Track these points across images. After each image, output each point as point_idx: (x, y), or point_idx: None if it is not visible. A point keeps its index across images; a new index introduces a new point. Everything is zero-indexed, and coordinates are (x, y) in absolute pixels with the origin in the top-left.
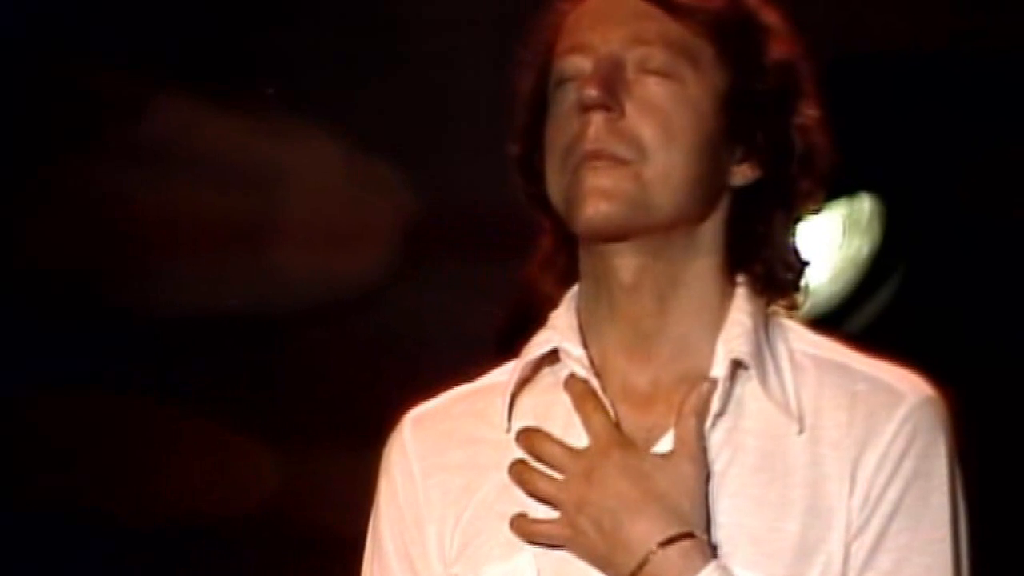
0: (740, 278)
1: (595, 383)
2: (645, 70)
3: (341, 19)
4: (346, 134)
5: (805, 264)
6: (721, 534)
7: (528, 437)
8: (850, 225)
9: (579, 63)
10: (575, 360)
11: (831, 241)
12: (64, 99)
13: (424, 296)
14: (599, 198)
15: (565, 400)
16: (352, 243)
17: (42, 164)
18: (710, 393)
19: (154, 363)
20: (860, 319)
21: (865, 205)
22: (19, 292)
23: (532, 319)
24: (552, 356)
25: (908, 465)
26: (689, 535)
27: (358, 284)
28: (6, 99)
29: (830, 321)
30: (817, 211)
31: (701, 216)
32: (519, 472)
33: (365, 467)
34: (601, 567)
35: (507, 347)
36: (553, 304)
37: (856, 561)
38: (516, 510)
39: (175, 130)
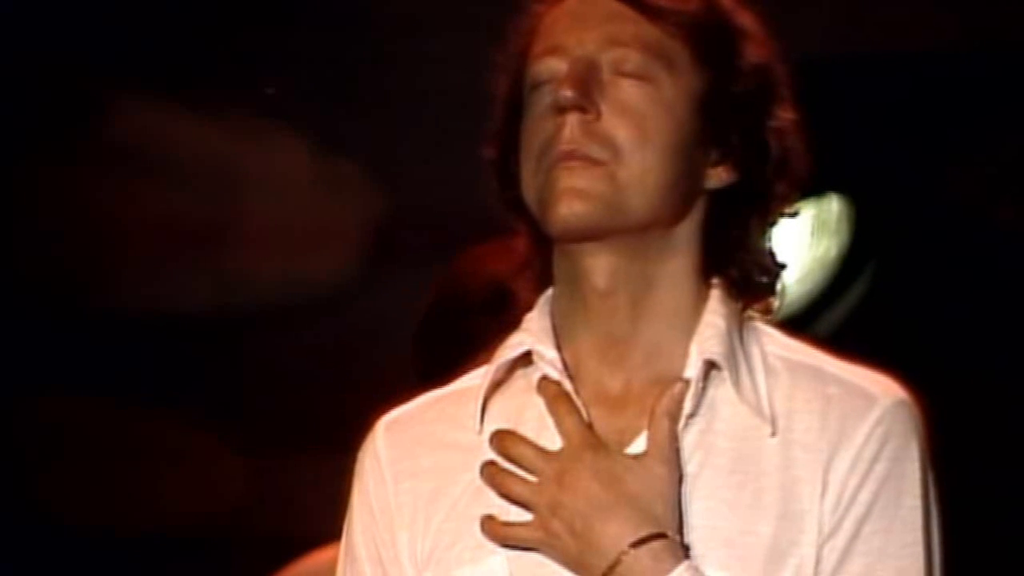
0: (715, 281)
1: (568, 385)
2: (620, 72)
3: (309, 23)
4: (313, 138)
5: (781, 267)
6: (694, 536)
7: (501, 439)
8: (818, 226)
9: (554, 65)
10: (548, 362)
11: (800, 242)
12: (35, 103)
13: (392, 299)
14: (573, 198)
15: (538, 403)
16: (320, 246)
17: (13, 168)
18: (682, 394)
19: (122, 366)
20: (829, 320)
21: (833, 206)
22: None
23: (450, 320)
24: (525, 359)
25: (880, 468)
26: (661, 536)
27: (326, 287)
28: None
29: (799, 322)
30: (793, 215)
31: (676, 218)
32: (492, 474)
33: (333, 471)
34: (574, 569)
35: (428, 350)
36: (527, 308)
37: (828, 564)
38: (487, 513)
39: (143, 134)
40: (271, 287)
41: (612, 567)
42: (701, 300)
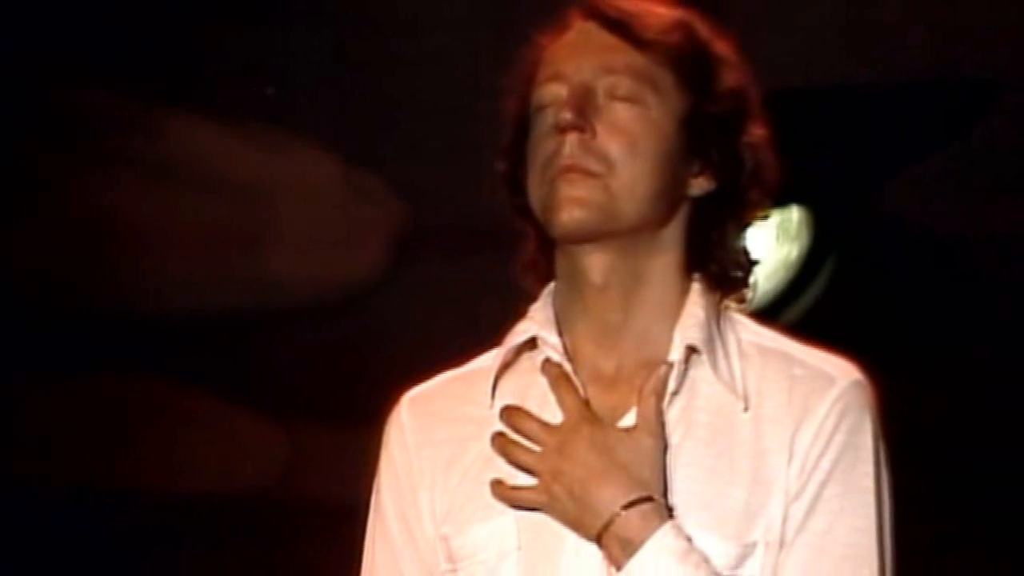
0: (696, 276)
1: (568, 367)
2: (613, 96)
3: (325, 28)
4: (314, 138)
5: (754, 263)
6: (677, 499)
7: (510, 414)
8: (782, 232)
9: (556, 90)
10: (551, 347)
11: (765, 246)
12: (69, 115)
13: (407, 296)
14: (573, 205)
15: (541, 382)
16: (342, 248)
17: (53, 177)
18: (667, 375)
19: (169, 354)
20: (791, 314)
21: (794, 215)
22: (32, 294)
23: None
24: (530, 344)
25: (839, 439)
26: (648, 499)
27: (347, 285)
28: (5, 116)
29: (765, 315)
30: (764, 218)
31: (663, 222)
32: (502, 445)
33: (352, 447)
34: (573, 528)
35: None
36: (533, 299)
37: (794, 522)
38: (497, 478)
39: (174, 143)
40: (303, 285)
41: (606, 526)
42: (684, 293)
